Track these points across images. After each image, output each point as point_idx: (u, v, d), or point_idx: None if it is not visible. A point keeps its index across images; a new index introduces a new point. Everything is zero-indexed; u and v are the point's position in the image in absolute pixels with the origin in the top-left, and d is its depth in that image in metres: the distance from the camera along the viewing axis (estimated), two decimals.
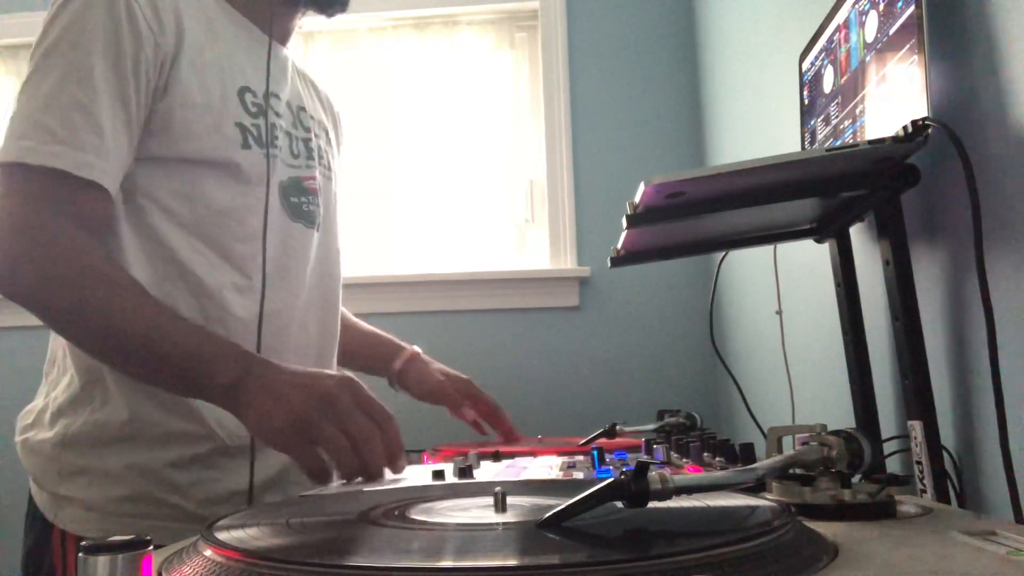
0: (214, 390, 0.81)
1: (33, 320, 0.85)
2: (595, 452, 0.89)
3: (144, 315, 0.83)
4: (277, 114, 1.01)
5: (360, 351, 1.29)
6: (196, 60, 0.92)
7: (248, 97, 0.97)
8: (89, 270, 0.83)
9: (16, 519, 0.97)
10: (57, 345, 0.97)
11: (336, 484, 0.77)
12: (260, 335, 0.91)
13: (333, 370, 1.12)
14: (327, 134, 1.15)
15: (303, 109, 1.09)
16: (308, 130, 1.08)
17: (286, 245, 1.00)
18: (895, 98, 0.79)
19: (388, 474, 0.79)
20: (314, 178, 1.07)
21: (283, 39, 1.08)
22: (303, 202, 1.04)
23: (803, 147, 1.09)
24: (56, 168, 0.83)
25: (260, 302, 0.92)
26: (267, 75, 0.99)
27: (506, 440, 1.23)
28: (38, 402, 0.98)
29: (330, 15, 1.09)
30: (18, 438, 0.97)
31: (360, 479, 0.76)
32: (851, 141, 0.90)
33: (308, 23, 1.13)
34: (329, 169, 1.12)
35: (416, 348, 1.31)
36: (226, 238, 0.94)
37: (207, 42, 0.95)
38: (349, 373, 0.83)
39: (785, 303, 1.27)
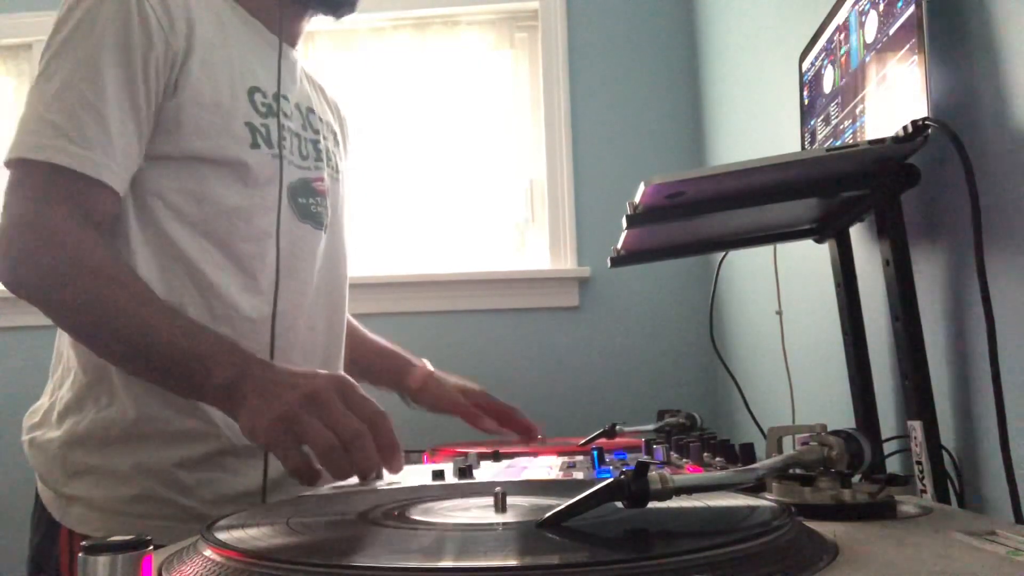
0: (210, 390, 0.81)
1: (40, 319, 0.86)
2: (595, 452, 0.89)
3: (145, 313, 0.82)
4: (286, 115, 1.01)
5: (373, 366, 1.28)
6: (207, 59, 0.92)
7: (258, 97, 0.97)
8: (92, 267, 0.83)
9: (23, 518, 0.97)
10: (63, 343, 0.97)
11: (328, 486, 0.76)
12: (273, 335, 0.91)
13: (340, 371, 1.12)
14: (335, 136, 1.16)
15: (312, 111, 1.09)
16: (317, 132, 1.09)
17: (294, 246, 1.00)
18: (895, 98, 0.79)
19: (387, 474, 0.78)
20: (322, 179, 1.07)
21: (292, 41, 1.08)
22: (311, 203, 1.04)
23: (803, 147, 1.09)
24: (61, 165, 0.83)
25: (273, 302, 0.92)
26: (279, 76, 0.99)
27: (526, 436, 1.22)
28: (44, 401, 0.98)
29: (339, 16, 1.09)
30: (25, 437, 0.97)
31: (353, 480, 0.76)
32: (851, 141, 0.90)
33: (310, 24, 1.12)
34: (337, 171, 1.12)
35: (426, 362, 1.29)
36: (234, 238, 0.94)
37: (218, 41, 0.95)
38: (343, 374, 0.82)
39: (785, 303, 1.27)
